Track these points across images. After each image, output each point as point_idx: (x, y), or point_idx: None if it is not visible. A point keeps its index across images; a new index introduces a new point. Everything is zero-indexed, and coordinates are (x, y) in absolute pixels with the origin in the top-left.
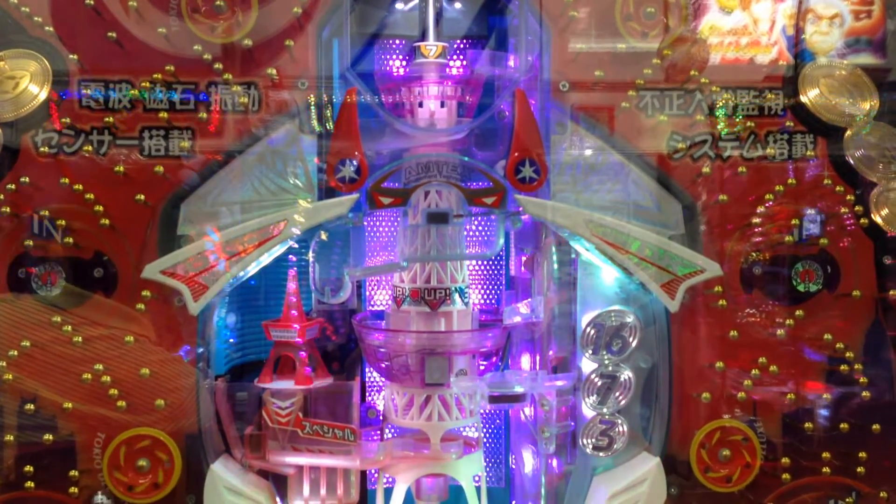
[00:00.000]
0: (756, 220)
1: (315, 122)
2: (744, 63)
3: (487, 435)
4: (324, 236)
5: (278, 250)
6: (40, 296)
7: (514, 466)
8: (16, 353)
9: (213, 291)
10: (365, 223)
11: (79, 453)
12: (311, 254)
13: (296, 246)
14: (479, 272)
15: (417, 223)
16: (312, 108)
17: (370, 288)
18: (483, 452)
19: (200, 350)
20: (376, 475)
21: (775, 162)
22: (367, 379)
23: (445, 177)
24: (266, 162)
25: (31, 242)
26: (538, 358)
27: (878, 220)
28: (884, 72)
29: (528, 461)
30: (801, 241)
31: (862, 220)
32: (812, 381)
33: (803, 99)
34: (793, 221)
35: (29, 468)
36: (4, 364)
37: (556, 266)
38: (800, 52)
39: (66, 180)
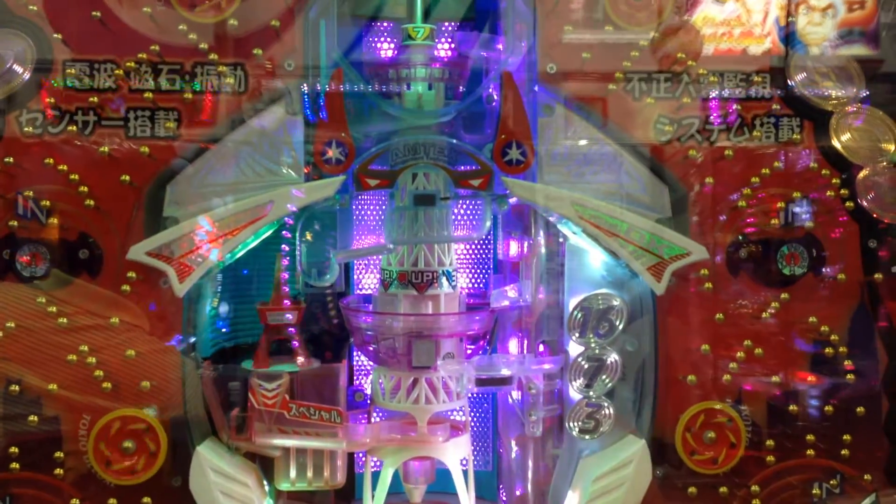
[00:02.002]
0: (742, 203)
1: (301, 104)
2: (736, 53)
3: (475, 419)
4: (309, 237)
5: (265, 233)
6: (25, 277)
7: (501, 450)
8: (0, 334)
9: (198, 273)
10: (352, 206)
11: (64, 435)
12: (297, 236)
13: (288, 236)
14: (467, 256)
15: (404, 205)
16: (299, 89)
17: (358, 271)
18: (470, 436)
19: (187, 335)
20: (363, 459)
21: (762, 145)
22: (354, 363)
23: (432, 159)
24: (252, 143)
25: (15, 223)
26: (526, 343)
27: (865, 204)
28: (876, 63)
29: (515, 446)
30: (787, 225)
31: (848, 204)
32: (797, 365)
33: (790, 83)
34: (779, 205)
35: (14, 450)
36: None
37: (543, 250)
38: (792, 43)
39: (51, 161)
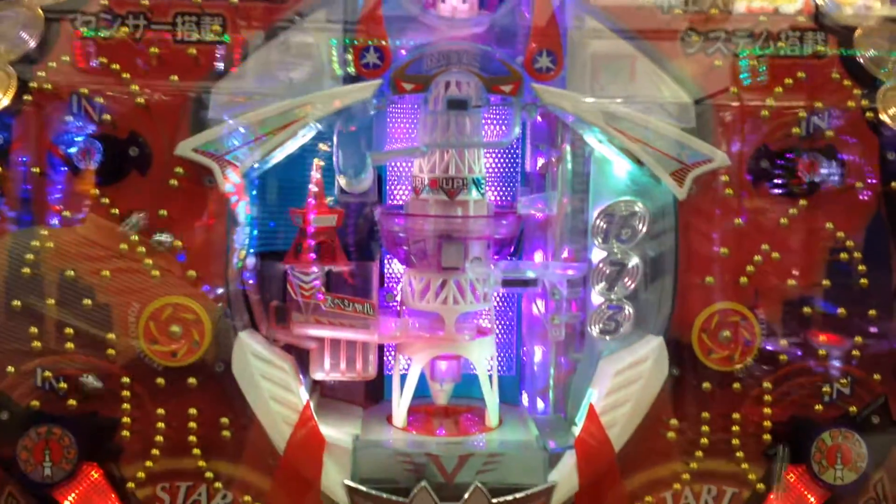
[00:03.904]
0: (765, 112)
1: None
2: (769, 12)
3: (500, 327)
4: (353, 128)
5: (304, 136)
6: (79, 169)
7: (524, 358)
8: (56, 222)
9: (241, 170)
10: (387, 112)
11: (115, 319)
12: (334, 138)
13: (324, 149)
14: (495, 169)
15: (438, 111)
16: None
17: (390, 183)
18: (495, 342)
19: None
20: (392, 363)
21: (786, 57)
22: (385, 272)
23: (465, 65)
24: (292, 49)
25: (70, 118)
26: (551, 254)
27: (886, 118)
28: None
29: (539, 352)
30: (807, 135)
31: (868, 115)
32: (812, 269)
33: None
34: (800, 115)
35: (69, 331)
36: (46, 233)
37: (569, 161)
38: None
39: (104, 60)
